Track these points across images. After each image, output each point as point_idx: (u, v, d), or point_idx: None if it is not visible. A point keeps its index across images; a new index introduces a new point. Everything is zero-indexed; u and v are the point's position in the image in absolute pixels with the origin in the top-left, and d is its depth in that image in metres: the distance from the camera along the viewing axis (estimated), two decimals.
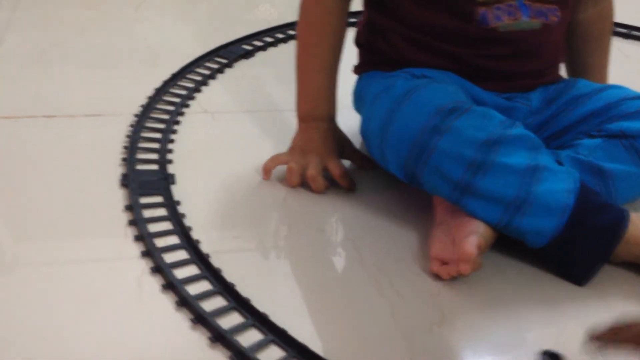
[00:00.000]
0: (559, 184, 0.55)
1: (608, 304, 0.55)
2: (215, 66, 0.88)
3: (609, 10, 0.71)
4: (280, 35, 0.97)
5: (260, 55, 0.93)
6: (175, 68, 0.86)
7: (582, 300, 0.55)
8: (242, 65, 0.91)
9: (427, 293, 0.55)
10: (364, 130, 0.64)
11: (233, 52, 0.92)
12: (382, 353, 0.50)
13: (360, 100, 0.68)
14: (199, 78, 0.86)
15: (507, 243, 0.57)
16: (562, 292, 0.56)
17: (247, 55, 0.92)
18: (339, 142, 0.68)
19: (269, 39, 0.96)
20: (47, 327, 0.51)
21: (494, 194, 0.54)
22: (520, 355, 0.50)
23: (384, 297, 0.54)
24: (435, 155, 0.55)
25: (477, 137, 0.54)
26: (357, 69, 0.70)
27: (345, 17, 0.66)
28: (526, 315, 0.54)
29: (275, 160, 0.67)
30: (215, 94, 0.84)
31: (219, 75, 0.87)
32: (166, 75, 0.85)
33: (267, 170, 0.67)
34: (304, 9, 0.66)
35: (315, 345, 0.49)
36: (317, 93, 0.67)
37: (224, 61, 0.90)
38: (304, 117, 0.67)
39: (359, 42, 0.69)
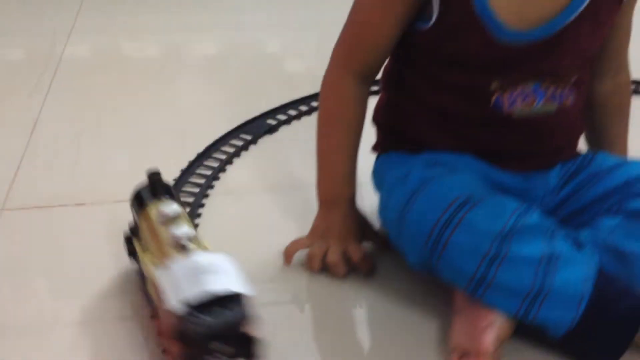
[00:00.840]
0: (575, 273, 0.54)
1: None
2: (240, 143, 0.91)
3: (627, 81, 0.70)
4: (304, 108, 0.99)
5: (284, 129, 0.95)
6: (201, 146, 0.89)
7: None
8: (266, 141, 0.92)
9: None
10: (382, 217, 0.64)
11: (258, 127, 0.94)
12: None
13: (378, 181, 0.69)
14: (223, 157, 0.88)
15: (528, 328, 0.57)
16: None
17: (272, 130, 0.94)
18: (360, 225, 0.69)
19: (292, 112, 0.98)
20: None
21: (510, 285, 0.54)
22: None
23: None
24: (449, 249, 0.55)
25: (490, 229, 0.54)
26: (377, 148, 0.71)
27: (364, 104, 0.67)
28: None
29: (296, 245, 0.68)
30: (240, 173, 0.86)
31: (244, 153, 0.89)
32: (193, 154, 0.88)
33: (288, 256, 0.68)
34: (323, 97, 0.68)
35: None
36: (337, 178, 0.68)
37: (249, 137, 0.92)
38: (325, 200, 0.68)
39: (377, 121, 0.71)
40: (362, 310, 0.64)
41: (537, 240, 0.55)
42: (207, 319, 0.52)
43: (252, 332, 0.53)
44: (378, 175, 0.69)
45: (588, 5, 0.60)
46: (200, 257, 0.56)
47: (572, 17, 0.60)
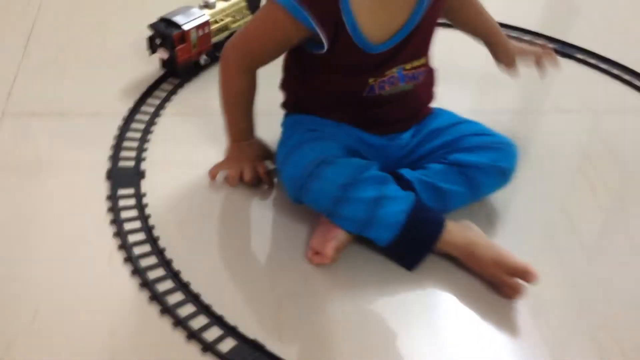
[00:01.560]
0: (395, 208, 0.79)
1: (421, 282, 0.81)
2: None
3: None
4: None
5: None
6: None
7: (407, 277, 0.81)
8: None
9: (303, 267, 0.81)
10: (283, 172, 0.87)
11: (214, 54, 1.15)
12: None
13: (283, 130, 0.91)
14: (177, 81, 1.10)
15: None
16: (396, 273, 0.82)
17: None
18: (262, 150, 0.92)
19: None
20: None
21: (349, 217, 0.80)
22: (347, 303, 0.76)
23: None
24: (311, 193, 0.81)
25: (337, 180, 0.79)
26: (284, 107, 0.93)
27: (253, 86, 0.87)
28: (363, 288, 0.80)
29: (217, 168, 0.91)
30: (190, 96, 1.08)
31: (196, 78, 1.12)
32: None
33: (212, 176, 0.91)
34: (221, 84, 0.88)
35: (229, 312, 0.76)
36: (241, 131, 0.91)
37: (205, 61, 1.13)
38: (233, 141, 0.91)
39: (282, 87, 0.92)
40: (256, 218, 0.89)
41: (371, 187, 0.80)
42: None
43: None
44: (283, 127, 0.92)
45: (424, 15, 0.81)
46: None
47: (414, 26, 0.81)
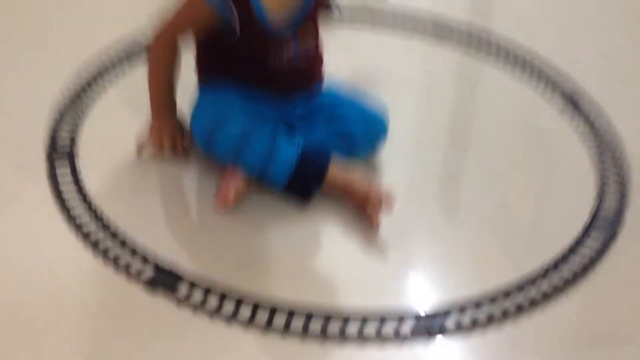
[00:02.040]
0: (288, 152, 0.99)
1: (313, 216, 1.01)
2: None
3: None
4: None
5: None
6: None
7: (299, 213, 1.01)
8: None
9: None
10: (191, 122, 1.06)
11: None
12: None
13: (195, 110, 1.08)
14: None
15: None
16: (294, 209, 1.01)
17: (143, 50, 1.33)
18: (180, 126, 1.09)
19: None
20: None
21: (249, 165, 1.00)
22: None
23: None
24: (216, 147, 1.01)
25: (235, 133, 0.99)
26: (199, 81, 1.11)
27: (175, 60, 1.05)
28: (265, 223, 0.99)
29: (143, 140, 1.09)
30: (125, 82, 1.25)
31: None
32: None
33: (139, 149, 1.09)
34: (149, 59, 1.07)
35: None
36: (162, 104, 1.08)
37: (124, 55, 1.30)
38: (155, 115, 1.09)
39: (198, 64, 1.10)
40: (175, 176, 1.07)
41: (266, 138, 0.99)
42: None
43: None
44: (197, 99, 1.08)
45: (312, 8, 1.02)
46: None
47: (305, 16, 1.02)
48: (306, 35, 1.05)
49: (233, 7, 0.98)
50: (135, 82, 1.18)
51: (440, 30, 1.45)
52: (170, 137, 1.08)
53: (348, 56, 1.32)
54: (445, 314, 0.90)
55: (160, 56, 1.06)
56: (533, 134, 1.23)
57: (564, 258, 0.98)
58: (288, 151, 0.99)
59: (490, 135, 1.23)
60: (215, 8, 0.98)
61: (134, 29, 1.35)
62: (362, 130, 1.07)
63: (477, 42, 1.43)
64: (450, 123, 1.26)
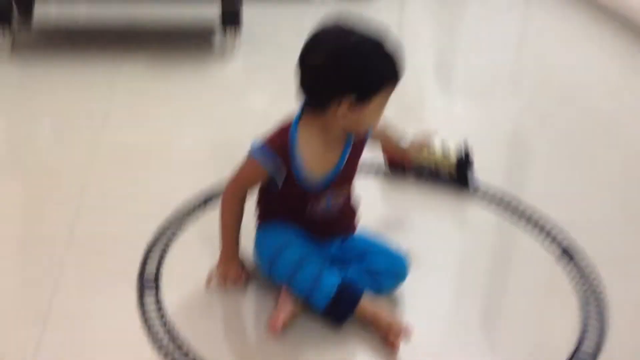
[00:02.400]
0: (332, 280, 1.25)
1: (346, 341, 1.24)
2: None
3: (383, 131, 1.46)
4: None
5: None
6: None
7: (334, 338, 1.25)
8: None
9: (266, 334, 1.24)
10: (257, 256, 1.36)
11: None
12: None
13: (258, 237, 1.38)
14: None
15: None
16: (330, 334, 1.25)
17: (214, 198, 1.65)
18: (240, 262, 1.37)
19: None
20: None
21: (302, 283, 1.25)
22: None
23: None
24: (276, 268, 1.29)
25: (296, 256, 1.27)
26: (258, 220, 1.40)
27: (242, 210, 1.33)
28: (308, 345, 1.23)
29: (211, 273, 1.37)
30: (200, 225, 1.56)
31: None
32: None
33: (209, 280, 1.36)
34: (221, 209, 1.34)
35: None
36: (229, 245, 1.36)
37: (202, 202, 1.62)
38: (224, 257, 1.35)
39: (257, 208, 1.40)
40: (239, 302, 1.34)
41: (316, 265, 1.26)
42: None
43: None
44: (259, 234, 1.38)
45: (348, 159, 1.30)
46: None
47: (341, 168, 1.30)
48: (338, 193, 1.33)
49: (282, 167, 1.27)
50: (209, 224, 1.49)
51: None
52: (234, 272, 1.36)
53: (381, 205, 1.61)
54: None
55: (228, 205, 1.34)
56: (529, 276, 1.47)
57: None
58: (331, 281, 1.26)
59: (494, 277, 1.47)
60: (266, 168, 1.27)
61: (210, 182, 1.68)
62: (387, 269, 1.34)
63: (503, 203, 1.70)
64: (460, 269, 1.51)
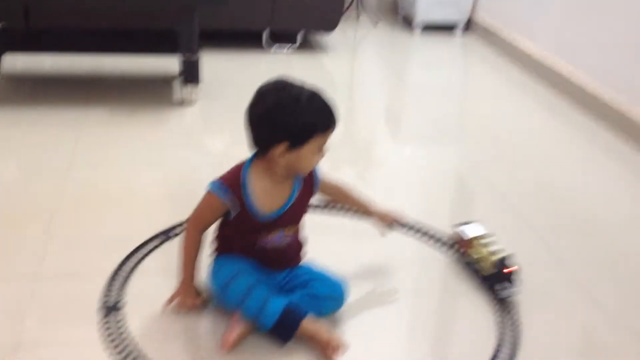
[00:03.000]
0: (274, 308, 1.41)
1: (290, 354, 1.39)
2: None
3: (338, 186, 1.63)
4: None
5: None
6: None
7: (279, 355, 1.40)
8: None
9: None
10: (211, 284, 1.51)
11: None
12: None
13: (213, 268, 1.53)
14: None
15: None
16: (276, 352, 1.40)
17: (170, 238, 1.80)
18: (197, 290, 1.52)
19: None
20: None
21: (247, 313, 1.41)
22: None
23: None
24: (227, 297, 1.45)
25: (247, 282, 1.42)
26: (214, 252, 1.56)
27: (200, 242, 1.50)
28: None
29: (171, 299, 1.52)
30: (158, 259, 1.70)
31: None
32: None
33: (168, 303, 1.52)
34: (183, 241, 1.51)
35: None
36: (189, 273, 1.52)
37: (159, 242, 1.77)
38: (183, 282, 1.51)
39: (214, 241, 1.56)
40: (195, 325, 1.48)
41: (264, 291, 1.42)
42: None
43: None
44: (213, 265, 1.54)
45: (296, 199, 1.48)
46: None
47: (289, 205, 1.48)
48: (287, 228, 1.50)
49: (235, 200, 1.44)
50: (166, 258, 1.63)
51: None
52: (191, 299, 1.51)
53: (325, 239, 1.78)
54: None
55: (190, 238, 1.49)
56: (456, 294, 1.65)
57: None
58: (276, 304, 1.42)
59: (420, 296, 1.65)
60: (223, 200, 1.44)
61: (168, 220, 1.84)
62: (327, 294, 1.51)
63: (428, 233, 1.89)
64: (392, 297, 1.68)
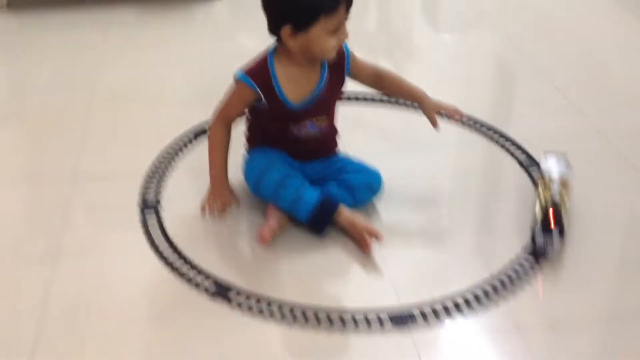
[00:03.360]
0: (308, 197, 1.39)
1: (328, 247, 1.39)
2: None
3: (379, 72, 1.52)
4: None
5: None
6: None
7: (317, 245, 1.40)
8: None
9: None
10: (246, 176, 1.49)
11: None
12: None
13: (247, 160, 1.51)
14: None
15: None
16: (314, 242, 1.41)
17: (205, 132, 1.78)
18: (229, 189, 1.50)
19: None
20: None
21: (282, 204, 1.40)
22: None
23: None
24: (262, 191, 1.43)
25: (276, 179, 1.40)
26: (247, 145, 1.54)
27: (229, 137, 1.45)
28: (293, 251, 1.39)
29: (204, 201, 1.50)
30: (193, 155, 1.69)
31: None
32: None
33: (203, 208, 1.49)
34: (209, 135, 1.49)
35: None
36: (218, 173, 1.48)
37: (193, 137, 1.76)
38: (213, 178, 1.48)
39: (245, 133, 1.53)
40: (232, 218, 1.48)
41: (297, 180, 1.41)
42: None
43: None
44: (248, 158, 1.52)
45: (326, 83, 1.43)
46: None
47: (319, 92, 1.43)
48: (320, 115, 1.46)
49: (265, 88, 1.40)
50: (199, 155, 1.62)
51: None
52: (224, 198, 1.48)
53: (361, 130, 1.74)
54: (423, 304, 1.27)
55: (217, 134, 1.46)
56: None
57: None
58: (311, 196, 1.40)
59: (461, 188, 1.61)
60: (252, 88, 1.40)
61: (200, 119, 1.81)
62: (363, 184, 1.48)
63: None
64: (433, 180, 1.65)
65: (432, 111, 1.49)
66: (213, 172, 1.49)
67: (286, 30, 1.34)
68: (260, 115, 1.46)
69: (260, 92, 1.40)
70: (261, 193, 1.45)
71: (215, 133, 1.48)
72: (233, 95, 1.45)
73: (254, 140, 1.52)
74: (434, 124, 1.50)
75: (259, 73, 1.40)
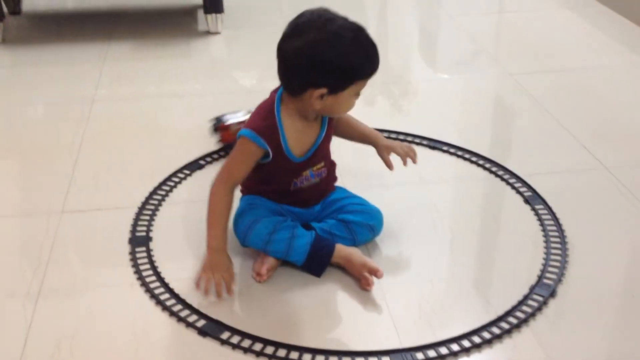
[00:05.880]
0: (303, 241, 1.33)
1: (325, 284, 1.33)
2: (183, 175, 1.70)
3: (348, 120, 1.47)
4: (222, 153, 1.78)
5: (210, 166, 1.74)
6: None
7: (314, 281, 1.34)
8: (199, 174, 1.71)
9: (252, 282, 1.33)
10: (234, 227, 1.40)
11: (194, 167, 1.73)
12: None
13: (236, 214, 1.41)
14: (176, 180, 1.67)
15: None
16: (311, 278, 1.34)
17: (201, 167, 1.73)
18: (228, 261, 1.36)
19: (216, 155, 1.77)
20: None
21: (274, 250, 1.34)
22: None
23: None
24: (250, 240, 1.36)
25: (266, 230, 1.34)
26: (242, 191, 1.46)
27: (231, 202, 1.31)
28: (289, 289, 1.32)
29: (198, 278, 1.34)
30: (187, 190, 1.64)
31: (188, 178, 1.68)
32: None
33: (197, 284, 1.34)
34: (210, 199, 1.29)
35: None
36: (220, 244, 1.30)
37: (188, 172, 1.71)
38: (211, 249, 1.29)
39: (243, 186, 1.45)
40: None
41: (287, 231, 1.34)
42: None
43: None
44: (237, 207, 1.43)
45: (323, 137, 1.38)
46: None
47: (319, 143, 1.38)
48: (318, 162, 1.40)
49: (273, 144, 1.31)
50: (194, 191, 1.57)
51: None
52: (220, 277, 1.28)
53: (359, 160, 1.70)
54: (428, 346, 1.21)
55: (222, 200, 1.30)
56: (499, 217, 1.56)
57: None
58: (303, 242, 1.34)
59: (463, 222, 1.56)
60: (261, 146, 1.29)
61: (195, 154, 1.77)
62: (363, 225, 1.41)
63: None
64: (431, 218, 1.60)
65: (386, 153, 1.45)
66: (212, 243, 1.30)
67: (316, 93, 1.25)
68: (260, 169, 1.35)
69: (270, 150, 1.31)
70: (250, 246, 1.37)
71: (219, 198, 1.30)
72: (238, 154, 1.31)
73: (249, 191, 1.43)
74: (389, 165, 1.45)
75: (268, 131, 1.30)
